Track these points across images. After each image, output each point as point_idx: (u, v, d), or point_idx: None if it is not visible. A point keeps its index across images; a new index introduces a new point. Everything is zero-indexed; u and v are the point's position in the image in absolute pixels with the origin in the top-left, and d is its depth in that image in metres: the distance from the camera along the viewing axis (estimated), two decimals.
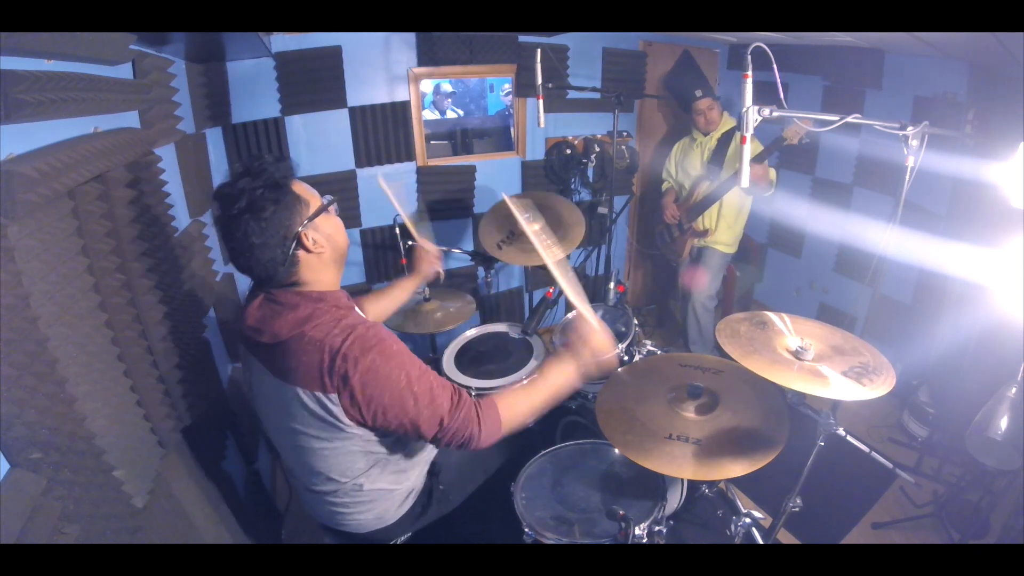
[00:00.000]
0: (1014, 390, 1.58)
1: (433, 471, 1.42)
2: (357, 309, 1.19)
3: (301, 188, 1.11)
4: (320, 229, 1.11)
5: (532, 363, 1.91)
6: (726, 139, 2.84)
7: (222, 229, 1.06)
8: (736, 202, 2.86)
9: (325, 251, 1.12)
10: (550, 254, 1.37)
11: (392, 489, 1.30)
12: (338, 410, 1.06)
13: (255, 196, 1.02)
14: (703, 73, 3.37)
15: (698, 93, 2.82)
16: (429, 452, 1.40)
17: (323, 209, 1.12)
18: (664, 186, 3.20)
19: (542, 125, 2.47)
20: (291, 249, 1.07)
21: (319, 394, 1.05)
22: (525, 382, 1.28)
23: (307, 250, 1.09)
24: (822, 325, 1.53)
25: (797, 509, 1.62)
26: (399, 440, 1.24)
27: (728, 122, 2.89)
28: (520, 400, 1.22)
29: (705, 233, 2.94)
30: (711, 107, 2.84)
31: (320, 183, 2.80)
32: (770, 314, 1.54)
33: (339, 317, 1.09)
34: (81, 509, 0.89)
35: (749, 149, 1.44)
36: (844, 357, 1.37)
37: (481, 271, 3.35)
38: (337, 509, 1.28)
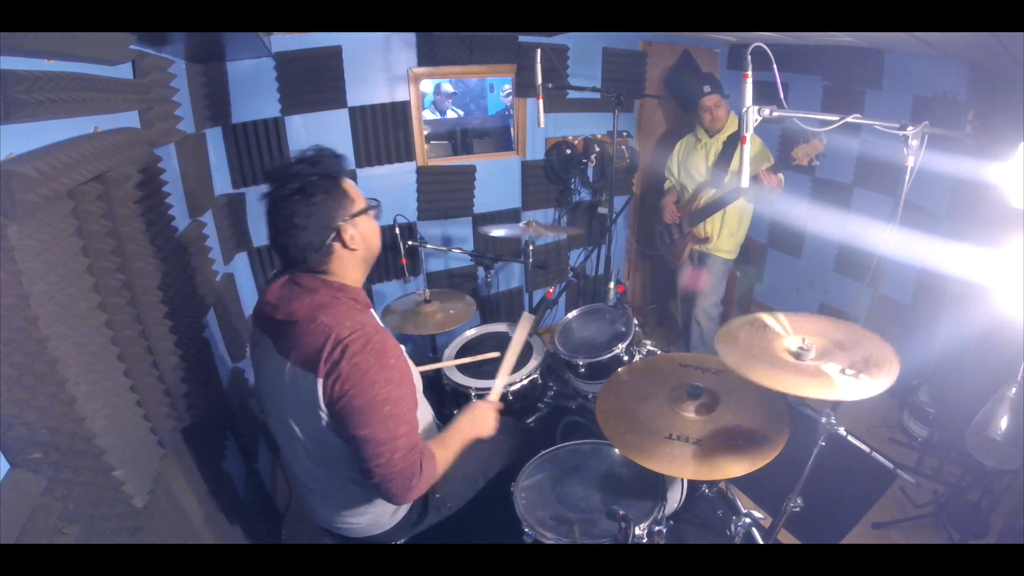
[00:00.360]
0: (1014, 390, 1.58)
1: None
2: (373, 312, 1.21)
3: (349, 186, 1.16)
4: (359, 227, 1.15)
5: (532, 363, 1.91)
6: (732, 142, 2.72)
7: (270, 206, 1.10)
8: (739, 209, 2.79)
9: (359, 250, 1.16)
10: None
11: None
12: (320, 393, 1.07)
13: (309, 181, 1.08)
14: (707, 72, 3.34)
15: (706, 89, 2.69)
16: None
17: (366, 210, 1.18)
18: (666, 185, 3.12)
19: (542, 125, 2.46)
20: (330, 239, 1.11)
21: (310, 375, 1.07)
22: (440, 443, 1.29)
23: (344, 244, 1.13)
24: (822, 319, 1.49)
25: (797, 509, 1.62)
26: None
27: (735, 123, 2.76)
28: (441, 462, 1.23)
29: (706, 240, 2.88)
30: (718, 104, 2.71)
31: None
32: (766, 317, 1.52)
33: (354, 311, 1.13)
34: (81, 509, 0.89)
35: (750, 149, 1.44)
36: (846, 352, 1.34)
37: (481, 271, 3.36)
38: (332, 510, 1.28)
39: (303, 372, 1.08)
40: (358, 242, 1.15)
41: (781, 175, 2.60)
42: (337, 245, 1.13)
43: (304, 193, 1.07)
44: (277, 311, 1.13)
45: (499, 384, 1.57)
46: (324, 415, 1.10)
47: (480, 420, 1.39)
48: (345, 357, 1.04)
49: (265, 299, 1.17)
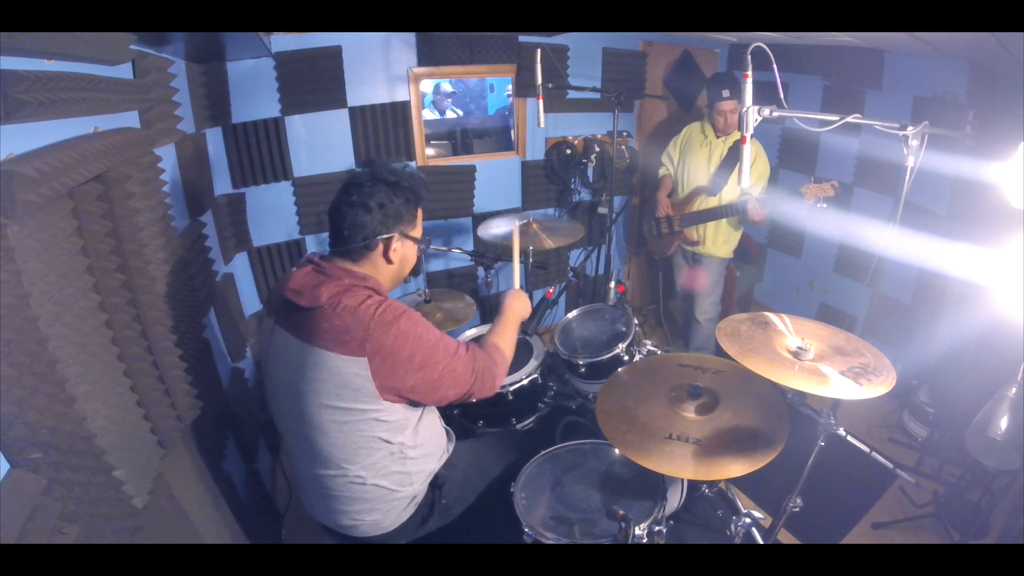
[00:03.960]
0: (1014, 390, 1.58)
1: (436, 483, 1.42)
2: None
3: (419, 216, 1.31)
4: (405, 248, 1.28)
5: (532, 363, 1.91)
6: (738, 148, 2.60)
7: (359, 177, 1.21)
8: (735, 218, 2.76)
9: (395, 265, 1.27)
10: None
11: (393, 491, 1.29)
12: (365, 374, 1.12)
13: (404, 183, 1.22)
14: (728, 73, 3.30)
15: (725, 93, 2.62)
16: (432, 460, 1.39)
17: (417, 240, 1.30)
18: (661, 172, 3.01)
19: (542, 125, 2.46)
20: (380, 236, 1.21)
21: (346, 357, 1.11)
22: (499, 332, 1.45)
23: (386, 249, 1.23)
24: (824, 326, 1.52)
25: (797, 509, 1.62)
26: (406, 427, 1.25)
27: None
28: (509, 346, 1.42)
29: (697, 243, 2.86)
30: (735, 111, 2.63)
31: (321, 183, 2.84)
32: (771, 315, 1.54)
33: (373, 296, 1.19)
34: (81, 509, 0.89)
35: (750, 150, 1.44)
36: (844, 357, 1.37)
37: (481, 271, 3.36)
38: (336, 505, 1.28)
39: (335, 354, 1.11)
40: (397, 257, 1.25)
41: (766, 211, 2.56)
42: (380, 247, 1.23)
43: (392, 188, 1.20)
44: (301, 296, 1.17)
45: (517, 272, 1.71)
46: (366, 396, 1.14)
47: (519, 307, 1.51)
48: (383, 331, 1.11)
49: (287, 285, 1.21)
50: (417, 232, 1.29)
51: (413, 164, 3.04)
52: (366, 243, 1.20)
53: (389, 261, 1.24)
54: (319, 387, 1.15)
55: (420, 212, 1.30)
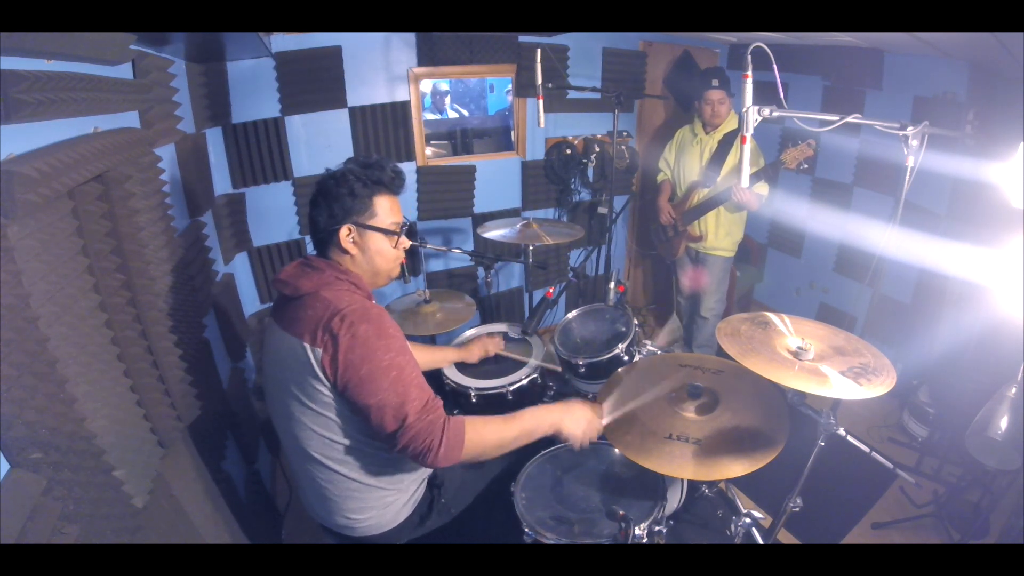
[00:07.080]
0: (1014, 390, 1.58)
1: (435, 482, 1.42)
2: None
3: (381, 202, 1.26)
4: (367, 240, 1.25)
5: (532, 363, 1.91)
6: (728, 141, 2.72)
7: (319, 180, 1.26)
8: (734, 207, 2.78)
9: (355, 257, 1.26)
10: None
11: (387, 490, 1.30)
12: (317, 365, 1.11)
13: (349, 177, 1.23)
14: (720, 67, 3.32)
15: (714, 82, 2.67)
16: None
17: (385, 231, 1.26)
18: (659, 177, 3.05)
19: (542, 125, 2.46)
20: (332, 228, 1.23)
21: (308, 345, 1.11)
22: (503, 416, 1.27)
23: (339, 240, 1.23)
24: (824, 326, 1.52)
25: (797, 509, 1.61)
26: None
27: (732, 122, 2.75)
28: (490, 431, 1.22)
29: (700, 239, 2.88)
30: (722, 100, 2.69)
31: None
32: (771, 315, 1.54)
33: (354, 291, 1.21)
34: (81, 509, 0.89)
35: (749, 149, 1.44)
36: (844, 358, 1.37)
37: (481, 271, 3.36)
38: (330, 504, 1.28)
39: (302, 343, 1.12)
40: (354, 249, 1.24)
41: (763, 191, 2.61)
42: (336, 238, 1.23)
43: (337, 182, 1.22)
44: (287, 287, 1.21)
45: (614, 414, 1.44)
46: (325, 389, 1.13)
47: (573, 413, 1.34)
48: (344, 327, 1.09)
49: (278, 276, 1.24)
50: (379, 221, 1.25)
51: (413, 164, 3.04)
52: (325, 235, 1.24)
53: (345, 251, 1.23)
54: (291, 376, 1.16)
55: (383, 200, 1.25)
